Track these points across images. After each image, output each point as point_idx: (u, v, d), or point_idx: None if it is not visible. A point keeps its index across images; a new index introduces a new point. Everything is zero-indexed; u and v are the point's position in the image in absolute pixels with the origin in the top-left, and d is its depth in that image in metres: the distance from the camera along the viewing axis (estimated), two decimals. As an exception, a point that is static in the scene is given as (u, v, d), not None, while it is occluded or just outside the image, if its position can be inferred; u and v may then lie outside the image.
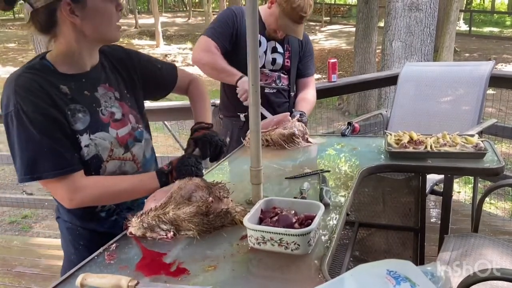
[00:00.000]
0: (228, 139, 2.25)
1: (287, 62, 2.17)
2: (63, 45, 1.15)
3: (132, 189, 1.21)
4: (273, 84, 2.16)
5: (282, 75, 2.19)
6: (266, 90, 2.14)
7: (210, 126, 1.39)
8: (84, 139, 1.15)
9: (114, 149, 1.22)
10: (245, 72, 2.11)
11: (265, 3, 2.15)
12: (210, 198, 1.14)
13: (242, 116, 2.16)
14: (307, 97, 2.21)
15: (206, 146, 1.31)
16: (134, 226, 1.13)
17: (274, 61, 2.14)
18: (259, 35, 2.08)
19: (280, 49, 2.14)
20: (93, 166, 1.18)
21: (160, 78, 1.42)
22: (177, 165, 1.22)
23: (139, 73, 1.35)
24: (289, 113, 1.95)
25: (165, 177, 1.21)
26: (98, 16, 1.13)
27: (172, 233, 1.11)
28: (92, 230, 1.27)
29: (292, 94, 2.26)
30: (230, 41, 2.05)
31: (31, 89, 1.07)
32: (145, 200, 1.21)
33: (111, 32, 1.17)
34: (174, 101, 3.12)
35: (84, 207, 1.20)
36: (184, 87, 1.50)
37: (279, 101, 2.21)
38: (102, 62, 1.27)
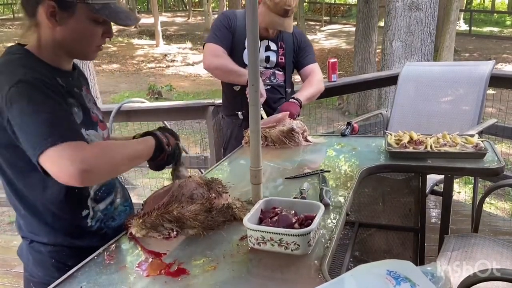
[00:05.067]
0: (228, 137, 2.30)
1: (281, 59, 2.22)
2: (45, 37, 1.06)
3: (134, 156, 1.10)
4: (267, 81, 2.21)
5: (277, 72, 2.24)
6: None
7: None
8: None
9: None
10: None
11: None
12: (213, 194, 1.15)
13: (240, 114, 2.21)
14: (311, 82, 2.25)
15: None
16: (136, 226, 1.12)
17: (267, 59, 2.19)
18: None
19: (273, 47, 2.19)
20: None
21: None
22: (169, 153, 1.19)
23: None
24: (288, 113, 1.95)
25: (159, 152, 1.16)
26: (79, 32, 1.06)
27: (175, 232, 1.11)
28: (82, 247, 1.13)
29: (288, 90, 2.31)
30: (231, 43, 2.13)
31: (29, 66, 0.99)
32: (143, 202, 1.20)
33: (87, 52, 1.12)
34: (174, 101, 3.12)
35: (71, 221, 1.12)
36: None
37: (274, 97, 2.24)
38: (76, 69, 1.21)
